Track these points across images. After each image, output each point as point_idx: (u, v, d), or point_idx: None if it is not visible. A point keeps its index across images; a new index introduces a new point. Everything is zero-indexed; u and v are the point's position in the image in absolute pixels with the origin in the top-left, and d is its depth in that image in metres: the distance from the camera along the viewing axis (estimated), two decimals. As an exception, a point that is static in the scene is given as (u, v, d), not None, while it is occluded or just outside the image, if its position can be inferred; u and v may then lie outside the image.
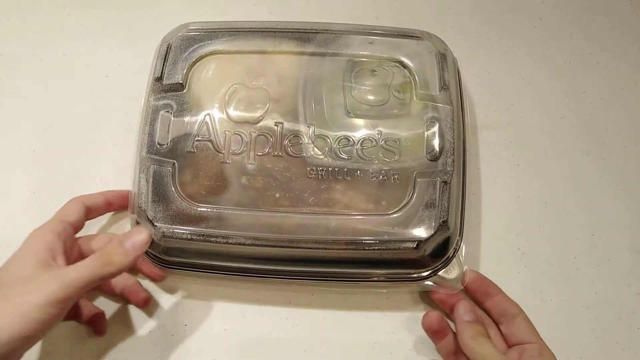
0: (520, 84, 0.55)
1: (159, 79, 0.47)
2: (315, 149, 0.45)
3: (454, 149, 0.45)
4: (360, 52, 0.48)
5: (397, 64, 0.48)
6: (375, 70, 0.47)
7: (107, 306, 0.47)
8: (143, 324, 0.47)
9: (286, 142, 0.45)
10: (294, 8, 0.58)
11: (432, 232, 0.42)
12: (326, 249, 0.43)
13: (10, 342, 0.35)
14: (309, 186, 0.44)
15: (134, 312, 0.47)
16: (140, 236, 0.41)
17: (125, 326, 0.47)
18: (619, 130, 0.54)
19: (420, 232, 0.42)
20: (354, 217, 0.43)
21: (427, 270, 0.44)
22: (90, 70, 0.55)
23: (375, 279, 0.45)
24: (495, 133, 0.54)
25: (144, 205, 0.43)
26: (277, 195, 0.44)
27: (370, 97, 0.47)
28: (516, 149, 0.53)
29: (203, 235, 0.42)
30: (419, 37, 0.49)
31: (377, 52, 0.48)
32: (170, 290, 0.48)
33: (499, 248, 0.49)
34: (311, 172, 0.44)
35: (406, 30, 0.49)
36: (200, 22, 0.49)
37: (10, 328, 0.35)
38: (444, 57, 0.48)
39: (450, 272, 0.45)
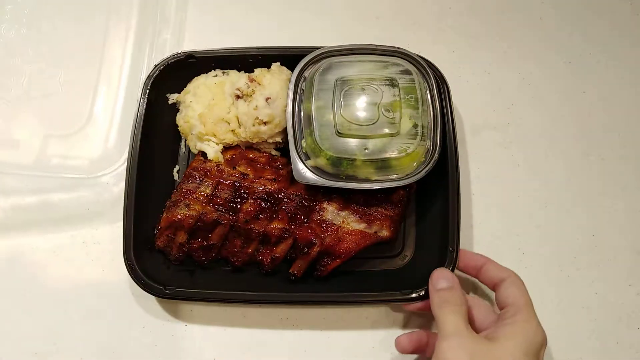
0: (520, 84, 0.55)
1: None
2: (307, 169, 0.45)
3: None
4: (350, 72, 0.47)
5: (387, 81, 0.46)
6: (364, 89, 0.46)
7: (106, 306, 0.47)
8: (143, 324, 0.47)
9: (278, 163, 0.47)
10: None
11: None
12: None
13: None
14: (298, 205, 0.46)
15: (134, 312, 0.47)
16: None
17: (126, 326, 0.47)
18: (618, 131, 0.54)
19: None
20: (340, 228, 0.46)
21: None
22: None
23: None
24: (495, 133, 0.53)
25: None
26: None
27: (360, 116, 0.45)
28: (516, 149, 0.53)
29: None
30: (410, 58, 0.48)
31: (366, 70, 0.47)
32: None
33: (499, 248, 0.49)
34: (298, 191, 0.46)
35: (396, 50, 0.48)
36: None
37: None
38: (431, 77, 0.47)
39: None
